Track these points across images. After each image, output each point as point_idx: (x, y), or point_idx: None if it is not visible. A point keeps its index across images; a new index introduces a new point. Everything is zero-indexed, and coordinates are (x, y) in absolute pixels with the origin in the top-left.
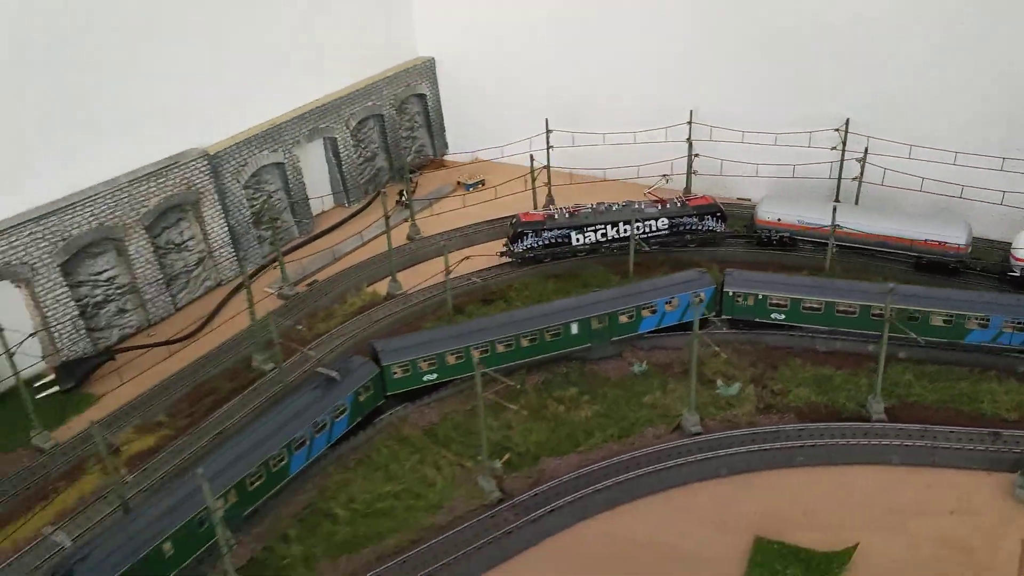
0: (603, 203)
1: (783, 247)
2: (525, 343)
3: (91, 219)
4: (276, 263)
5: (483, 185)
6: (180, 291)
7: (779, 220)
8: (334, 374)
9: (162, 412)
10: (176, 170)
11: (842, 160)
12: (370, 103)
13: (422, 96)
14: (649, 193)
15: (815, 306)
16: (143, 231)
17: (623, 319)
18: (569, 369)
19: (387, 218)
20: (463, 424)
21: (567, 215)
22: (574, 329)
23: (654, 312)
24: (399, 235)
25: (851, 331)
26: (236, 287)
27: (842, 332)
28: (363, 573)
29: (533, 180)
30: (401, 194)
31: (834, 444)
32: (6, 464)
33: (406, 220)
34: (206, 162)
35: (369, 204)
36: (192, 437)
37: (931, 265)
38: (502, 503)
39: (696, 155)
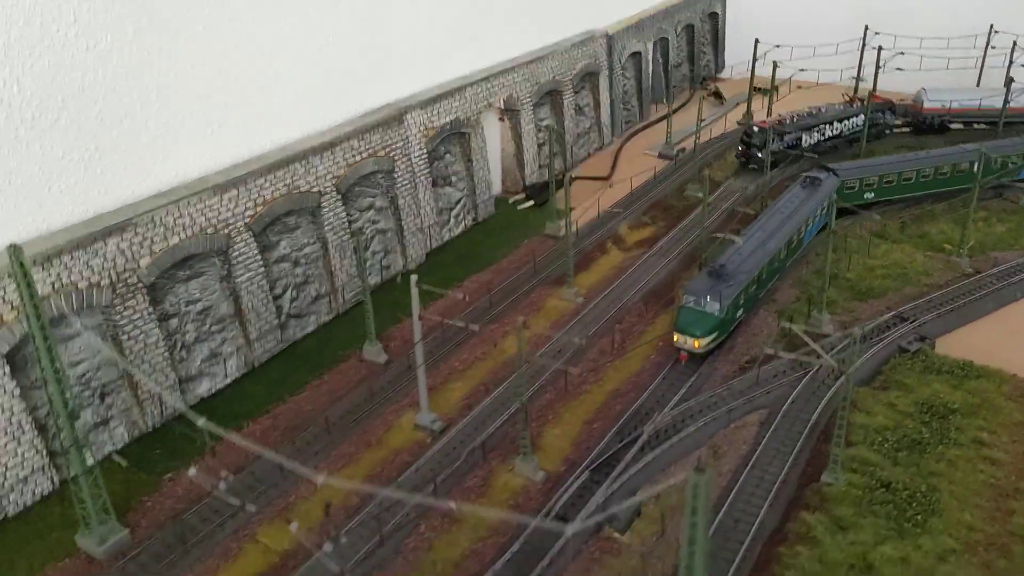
0: (814, 107)
1: (942, 130)
2: (936, 176)
3: (548, 73)
4: (639, 132)
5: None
6: (579, 148)
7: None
8: (823, 176)
9: (638, 216)
10: (591, 43)
11: (984, 58)
12: (689, 13)
13: (714, 15)
14: (845, 96)
15: None
16: (571, 90)
17: (1009, 164)
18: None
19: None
20: (907, 228)
21: (795, 120)
22: (974, 167)
23: None
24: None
25: None
26: (626, 140)
27: None
28: (887, 311)
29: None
30: (717, 92)
31: None
32: (546, 246)
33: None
34: (606, 40)
35: (686, 103)
36: (678, 231)
37: None
38: (969, 276)
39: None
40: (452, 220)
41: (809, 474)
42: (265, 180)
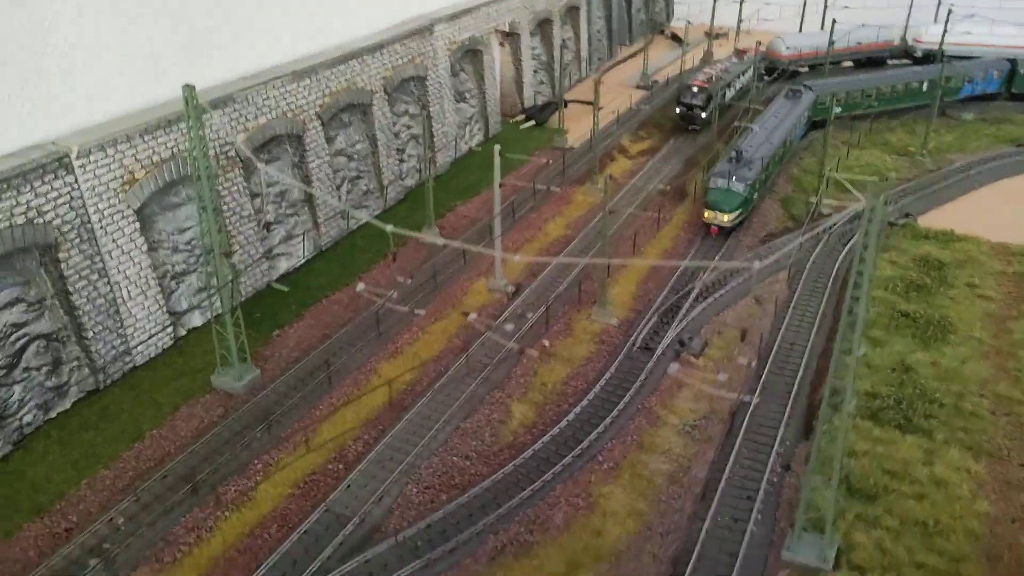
0: (720, 63)
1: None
2: (892, 93)
3: (542, 2)
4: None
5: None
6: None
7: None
8: (801, 90)
9: (636, 130)
10: None
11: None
12: None
13: None
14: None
15: None
16: (559, 21)
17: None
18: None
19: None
20: (871, 136)
21: (712, 79)
22: (924, 87)
23: (971, 82)
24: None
25: None
26: (600, 75)
27: None
28: None
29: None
30: (675, 36)
31: None
32: (557, 156)
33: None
34: None
35: (647, 46)
36: (679, 141)
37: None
38: (932, 172)
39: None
40: (467, 134)
41: (839, 311)
42: (331, 73)
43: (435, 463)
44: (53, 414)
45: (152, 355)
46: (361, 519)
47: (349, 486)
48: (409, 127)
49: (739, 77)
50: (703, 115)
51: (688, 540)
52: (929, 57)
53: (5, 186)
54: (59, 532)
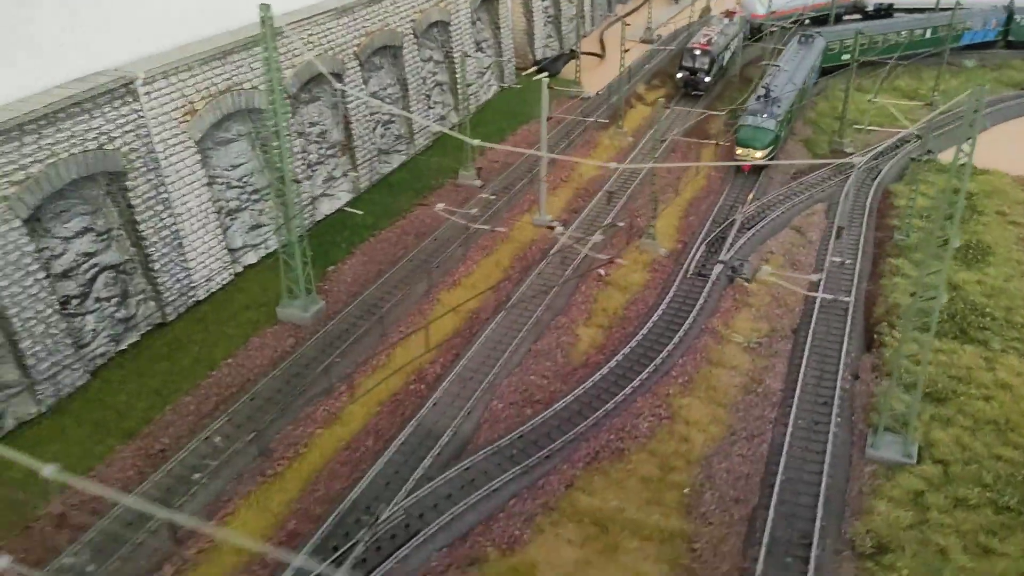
0: (714, 25)
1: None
2: (899, 40)
3: None
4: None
5: None
6: (569, 33)
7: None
8: (813, 36)
9: (649, 80)
10: None
11: None
12: None
13: None
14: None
15: None
16: None
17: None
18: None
19: None
20: (879, 83)
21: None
22: (928, 34)
23: (971, 31)
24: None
25: None
26: (603, 30)
27: None
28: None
29: None
30: None
31: None
32: (575, 104)
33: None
34: None
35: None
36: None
37: None
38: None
39: None
40: (484, 84)
41: (879, 238)
42: (367, 12)
43: (514, 381)
44: (124, 346)
45: (213, 290)
46: (454, 432)
47: (435, 404)
48: (434, 74)
49: (733, 40)
50: (707, 79)
51: (773, 442)
52: (881, 11)
53: (78, 109)
54: (153, 453)
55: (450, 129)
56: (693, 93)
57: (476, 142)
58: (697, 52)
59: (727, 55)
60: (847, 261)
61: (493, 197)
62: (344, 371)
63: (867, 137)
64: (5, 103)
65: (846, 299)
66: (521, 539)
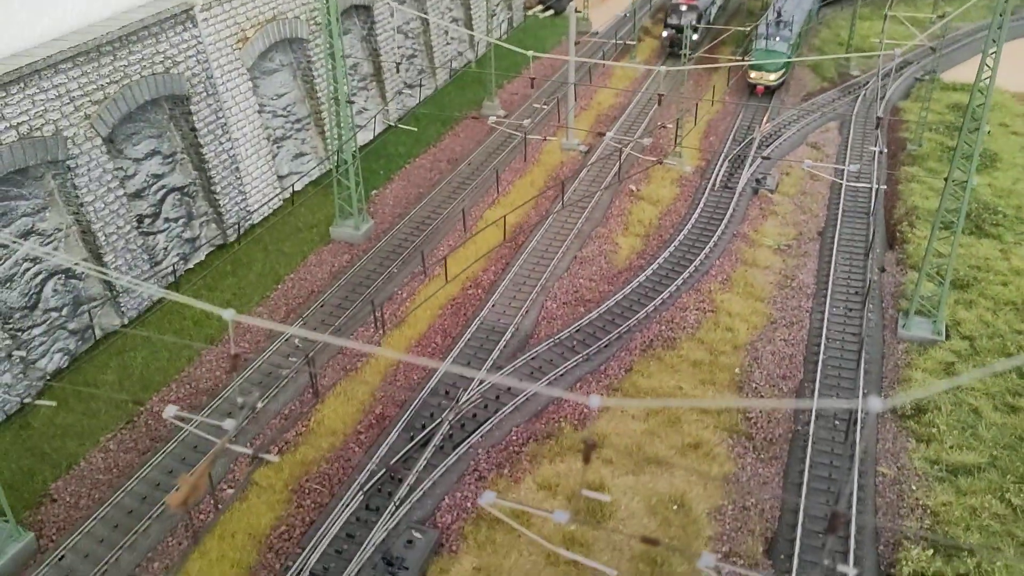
0: None
1: None
2: None
3: None
4: None
5: None
6: None
7: None
8: None
9: (654, 15)
10: None
11: None
12: None
13: None
14: None
15: None
16: None
17: None
18: None
19: None
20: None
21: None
22: None
23: None
24: None
25: None
26: None
27: None
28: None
29: None
30: None
31: None
32: (585, 40)
33: None
34: None
35: None
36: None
37: None
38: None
39: None
40: (495, 23)
41: (893, 151)
42: None
43: (565, 284)
44: (191, 264)
45: (266, 214)
46: (516, 327)
47: (494, 305)
48: (450, 9)
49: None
50: (695, 36)
51: (812, 328)
52: None
53: (146, 33)
54: (234, 355)
55: (467, 65)
56: (680, 52)
57: (531, 53)
58: (683, 8)
59: (714, 9)
60: (883, 150)
61: (546, 107)
62: (403, 280)
63: (872, 62)
64: (81, 26)
65: (881, 187)
66: (590, 415)
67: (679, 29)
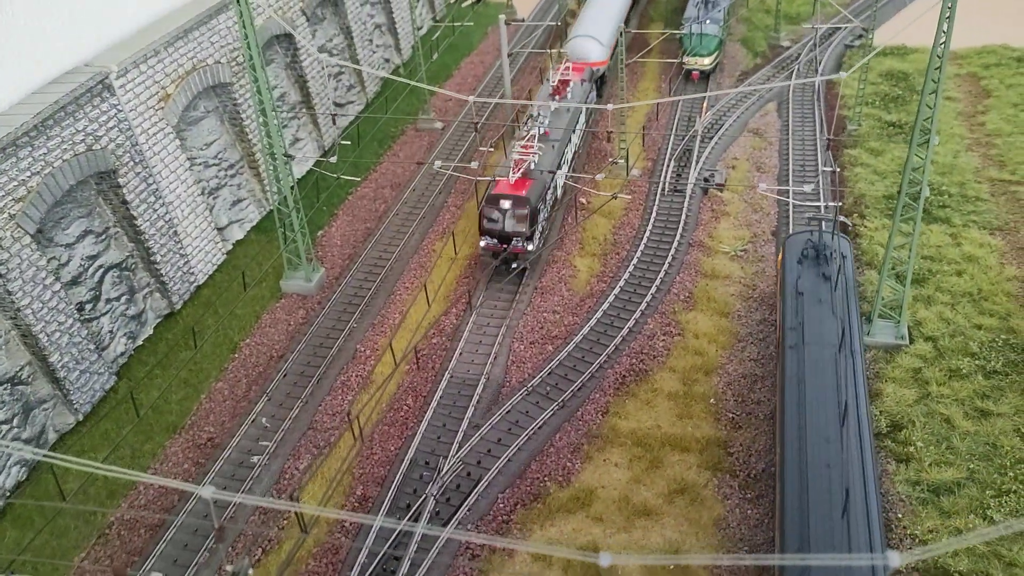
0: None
1: None
2: None
3: None
4: None
5: None
6: None
7: None
8: None
9: None
10: None
11: None
12: None
13: None
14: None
15: None
16: None
17: None
18: None
19: None
20: None
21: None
22: None
23: None
24: None
25: None
26: None
27: None
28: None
29: None
30: None
31: None
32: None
33: None
34: None
35: None
36: None
37: None
38: None
39: None
40: (417, 18)
41: (834, 132)
42: None
43: (529, 320)
44: (140, 341)
45: (210, 272)
46: (487, 377)
47: (461, 354)
48: (372, 16)
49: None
50: (530, 247)
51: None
52: None
53: (63, 114)
54: (202, 443)
55: (393, 72)
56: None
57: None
58: (506, 206)
59: (560, 179)
60: (836, 170)
61: (491, 149)
62: (363, 333)
63: (801, 29)
64: None
65: (837, 204)
66: (573, 469)
67: (505, 239)
